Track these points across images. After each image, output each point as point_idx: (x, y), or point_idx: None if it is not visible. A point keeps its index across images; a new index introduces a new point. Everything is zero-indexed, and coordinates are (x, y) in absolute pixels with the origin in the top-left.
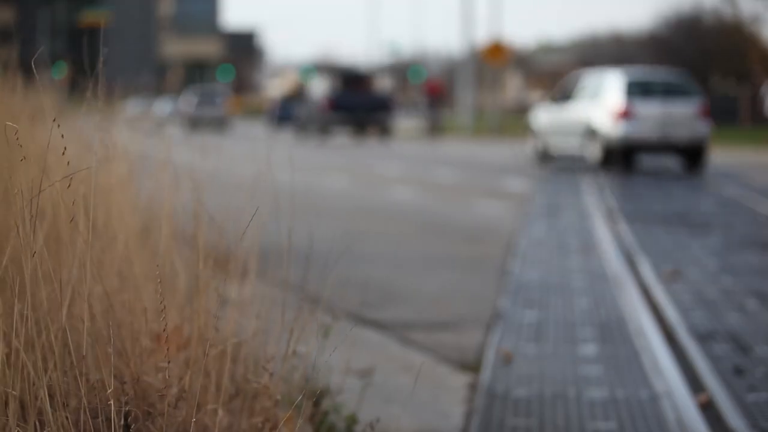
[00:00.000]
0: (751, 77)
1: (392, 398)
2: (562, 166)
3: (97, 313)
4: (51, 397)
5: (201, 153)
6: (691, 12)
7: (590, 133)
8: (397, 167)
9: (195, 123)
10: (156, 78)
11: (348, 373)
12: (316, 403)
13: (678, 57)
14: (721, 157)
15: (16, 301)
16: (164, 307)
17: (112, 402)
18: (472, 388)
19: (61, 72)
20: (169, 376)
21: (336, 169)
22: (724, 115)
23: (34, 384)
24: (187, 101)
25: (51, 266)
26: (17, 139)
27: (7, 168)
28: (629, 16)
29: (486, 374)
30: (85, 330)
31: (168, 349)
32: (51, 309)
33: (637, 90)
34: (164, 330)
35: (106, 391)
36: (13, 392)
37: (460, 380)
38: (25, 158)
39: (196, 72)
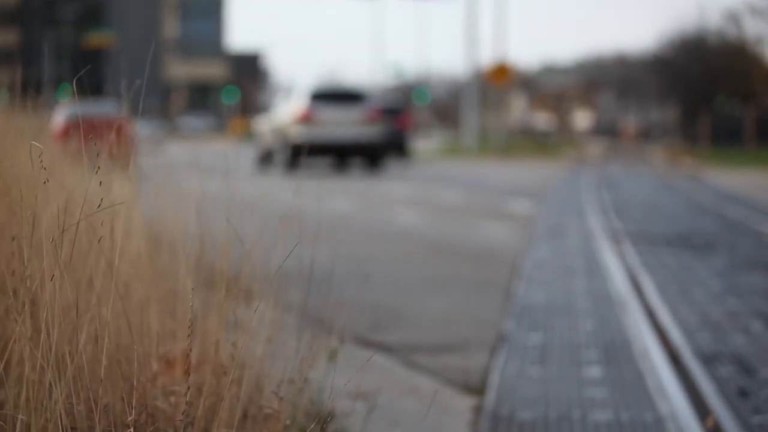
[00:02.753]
0: (756, 98)
1: (398, 421)
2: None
3: (107, 336)
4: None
5: (207, 175)
6: (695, 33)
7: (281, 135)
8: (402, 188)
9: None
10: (161, 100)
11: (354, 397)
12: (323, 428)
13: (683, 78)
14: (725, 177)
15: (29, 324)
16: (191, 332)
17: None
18: (477, 411)
19: (66, 94)
20: (178, 401)
21: (337, 190)
22: (729, 135)
23: (45, 408)
24: None
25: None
26: (41, 161)
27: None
28: (634, 38)
29: (491, 397)
30: (104, 354)
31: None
32: (65, 333)
33: (318, 97)
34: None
35: (117, 415)
36: (23, 417)
37: (465, 403)
38: (48, 181)
39: (201, 94)
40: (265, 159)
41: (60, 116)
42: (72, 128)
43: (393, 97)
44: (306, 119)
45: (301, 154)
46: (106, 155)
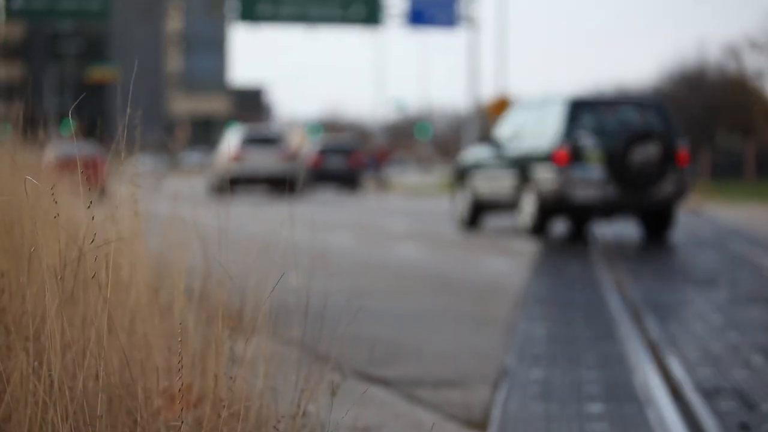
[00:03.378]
0: (757, 132)
1: None
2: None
3: (110, 372)
4: None
5: (209, 209)
6: (695, 67)
7: (222, 170)
8: (401, 223)
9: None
10: (164, 134)
11: (356, 431)
12: None
13: (683, 112)
14: (726, 211)
15: (32, 360)
16: (181, 366)
17: None
18: None
19: (69, 128)
20: None
21: (337, 225)
22: (730, 169)
23: None
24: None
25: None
26: (53, 196)
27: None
28: (634, 71)
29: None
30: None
31: (181, 408)
32: (67, 369)
33: (248, 140)
34: (180, 389)
35: None
36: None
37: None
38: (58, 215)
39: (204, 128)
40: (215, 188)
41: (51, 153)
42: (60, 165)
43: (347, 138)
44: (237, 158)
45: (234, 184)
46: (83, 187)
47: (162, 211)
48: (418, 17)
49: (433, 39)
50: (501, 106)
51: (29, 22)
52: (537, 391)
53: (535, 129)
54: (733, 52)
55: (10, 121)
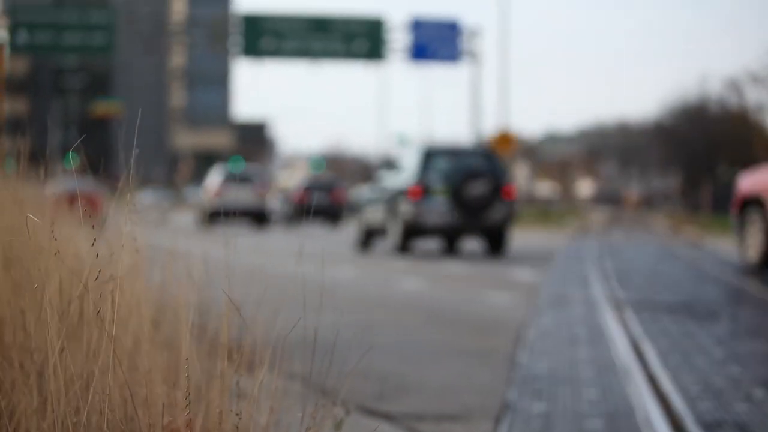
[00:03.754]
0: (758, 166)
1: None
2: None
3: (114, 407)
4: None
5: (211, 243)
6: (696, 101)
7: (202, 207)
8: (400, 257)
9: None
10: (168, 169)
11: None
12: None
13: (684, 146)
14: (726, 245)
15: (35, 396)
16: (189, 402)
17: None
18: None
19: (73, 163)
20: None
21: (334, 259)
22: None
23: None
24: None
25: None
26: (53, 233)
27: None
28: (636, 106)
29: None
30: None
31: None
32: (70, 404)
33: (228, 178)
34: (184, 424)
35: None
36: None
37: None
38: (58, 252)
39: (207, 163)
40: (201, 221)
41: (53, 188)
42: (62, 200)
43: (330, 177)
44: (218, 194)
45: (215, 217)
46: (85, 223)
47: (165, 244)
48: (420, 52)
49: (436, 73)
50: (503, 140)
51: (34, 56)
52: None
53: (401, 171)
54: (735, 86)
55: (15, 156)
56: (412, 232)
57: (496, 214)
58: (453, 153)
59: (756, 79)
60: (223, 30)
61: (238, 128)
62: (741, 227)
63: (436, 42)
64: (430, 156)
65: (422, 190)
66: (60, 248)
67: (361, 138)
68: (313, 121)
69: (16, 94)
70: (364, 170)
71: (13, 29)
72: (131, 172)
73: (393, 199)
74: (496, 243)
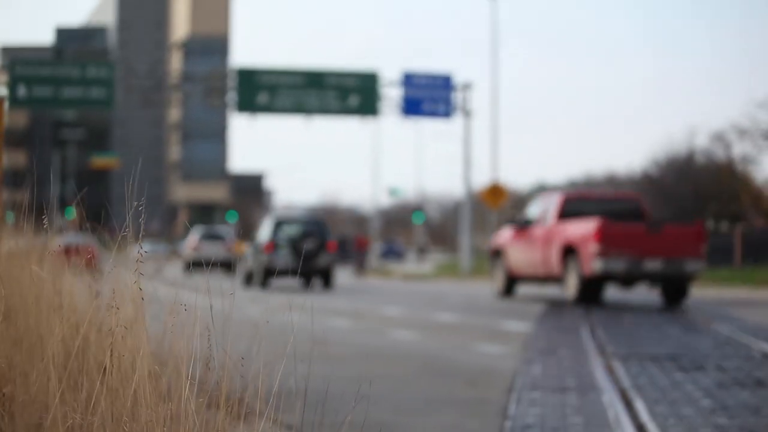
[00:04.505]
0: (745, 218)
1: None
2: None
3: None
4: None
5: (207, 294)
6: (684, 154)
7: (184, 258)
8: (396, 308)
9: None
10: (165, 221)
11: None
12: None
13: (671, 197)
14: (714, 295)
15: None
16: None
17: None
18: None
19: (71, 215)
20: None
21: (327, 310)
22: (719, 254)
23: None
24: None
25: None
26: (56, 286)
27: (21, 307)
28: (624, 158)
29: None
30: None
31: None
32: None
33: (203, 236)
34: None
35: None
36: None
37: None
38: (62, 309)
39: (204, 215)
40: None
41: (53, 241)
42: (65, 252)
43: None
44: (195, 248)
45: (195, 266)
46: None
47: (162, 295)
48: (411, 109)
49: (429, 126)
50: (493, 192)
51: (33, 109)
52: None
53: (263, 232)
54: (721, 139)
55: (15, 208)
56: (268, 273)
57: (322, 261)
58: (294, 221)
59: (743, 132)
60: (220, 85)
61: (234, 181)
62: (492, 268)
63: (427, 97)
64: (279, 223)
65: (273, 246)
66: (59, 299)
67: (356, 190)
68: (308, 173)
69: (15, 146)
70: (359, 221)
71: (12, 83)
72: (130, 224)
73: (256, 251)
74: (326, 280)
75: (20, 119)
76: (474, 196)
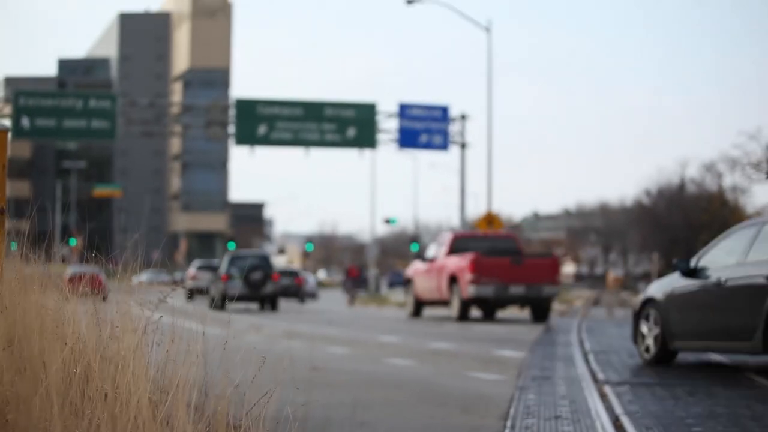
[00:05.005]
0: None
1: None
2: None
3: None
4: None
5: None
6: (675, 184)
7: (188, 284)
8: (391, 337)
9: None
10: (166, 251)
11: None
12: None
13: (664, 227)
14: None
15: None
16: None
17: None
18: None
19: (73, 244)
20: None
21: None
22: None
23: None
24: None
25: None
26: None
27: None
28: (616, 189)
29: None
30: None
31: None
32: None
33: (200, 267)
34: None
35: None
36: None
37: None
38: (64, 343)
39: (204, 244)
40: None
41: (56, 270)
42: (72, 281)
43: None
44: (193, 278)
45: (193, 294)
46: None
47: (164, 322)
48: (407, 141)
49: (426, 156)
50: (488, 222)
51: (37, 141)
52: None
53: (222, 266)
54: (712, 169)
55: (19, 237)
56: (222, 298)
57: (268, 289)
58: (245, 256)
59: (734, 163)
60: (220, 117)
61: (234, 211)
62: (406, 295)
63: (424, 129)
64: (233, 259)
65: (228, 277)
66: (63, 328)
67: (354, 218)
68: (306, 203)
69: (18, 176)
70: (357, 250)
71: (16, 115)
72: (131, 253)
73: (215, 281)
74: (272, 305)
75: (24, 149)
76: (469, 224)
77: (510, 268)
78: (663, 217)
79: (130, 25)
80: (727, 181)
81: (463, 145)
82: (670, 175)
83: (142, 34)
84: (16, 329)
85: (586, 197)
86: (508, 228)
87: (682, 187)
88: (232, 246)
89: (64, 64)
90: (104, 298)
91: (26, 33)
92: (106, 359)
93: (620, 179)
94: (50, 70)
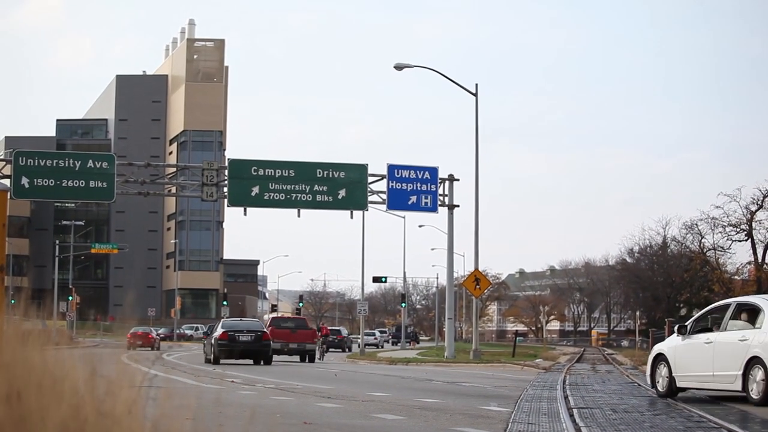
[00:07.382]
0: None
1: None
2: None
3: None
4: None
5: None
6: (657, 242)
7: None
8: (382, 391)
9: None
10: (161, 308)
11: None
12: None
13: (645, 284)
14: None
15: None
16: None
17: None
18: None
19: (71, 301)
20: None
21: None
22: None
23: None
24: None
25: None
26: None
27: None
28: (599, 248)
29: None
30: None
31: None
32: None
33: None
34: None
35: None
36: None
37: None
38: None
39: (199, 301)
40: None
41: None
42: (133, 336)
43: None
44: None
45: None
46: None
47: (159, 376)
48: (396, 203)
49: (414, 216)
50: (474, 280)
51: (35, 201)
52: None
53: (216, 329)
54: (693, 229)
55: (18, 294)
56: (219, 356)
57: (258, 347)
58: (237, 323)
59: (715, 223)
60: (215, 177)
61: (228, 268)
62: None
63: (412, 190)
64: (226, 324)
65: (225, 336)
66: (61, 384)
67: (344, 276)
68: (299, 260)
69: (18, 234)
70: (347, 306)
71: (16, 175)
72: (126, 310)
73: (212, 340)
74: (265, 360)
75: (23, 207)
76: (458, 284)
77: (290, 334)
78: (645, 276)
79: (127, 87)
80: (708, 240)
81: (450, 207)
82: (652, 235)
83: (139, 96)
84: (16, 383)
85: (571, 256)
86: (494, 285)
87: (664, 246)
88: (224, 305)
89: (63, 125)
90: (157, 349)
91: (25, 93)
92: (103, 414)
93: (604, 238)
94: (49, 130)
